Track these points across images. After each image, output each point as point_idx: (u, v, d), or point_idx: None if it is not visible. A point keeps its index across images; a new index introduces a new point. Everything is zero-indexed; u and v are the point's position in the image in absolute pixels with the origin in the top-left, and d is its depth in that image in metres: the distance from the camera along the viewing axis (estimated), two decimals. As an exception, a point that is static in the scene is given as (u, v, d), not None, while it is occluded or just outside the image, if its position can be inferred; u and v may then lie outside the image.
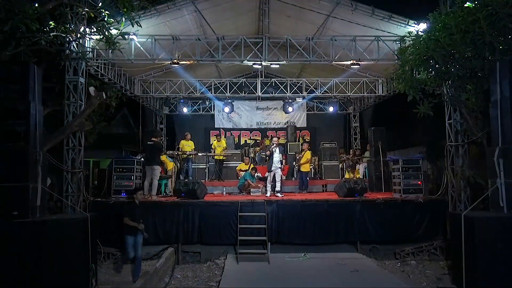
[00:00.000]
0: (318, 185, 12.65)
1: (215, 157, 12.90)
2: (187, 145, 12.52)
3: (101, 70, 10.24)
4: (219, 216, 8.39)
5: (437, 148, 10.92)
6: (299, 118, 17.08)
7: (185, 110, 15.58)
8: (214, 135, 16.12)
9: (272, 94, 13.82)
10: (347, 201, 8.85)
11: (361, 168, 13.68)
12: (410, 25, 8.95)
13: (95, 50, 8.97)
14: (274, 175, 10.08)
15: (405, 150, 15.58)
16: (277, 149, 10.07)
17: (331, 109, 15.83)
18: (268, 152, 10.18)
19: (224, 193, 11.45)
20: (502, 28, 6.30)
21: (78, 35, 7.99)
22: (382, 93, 13.40)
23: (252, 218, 8.33)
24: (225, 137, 16.18)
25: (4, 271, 5.17)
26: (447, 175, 8.69)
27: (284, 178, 12.20)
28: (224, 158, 13.01)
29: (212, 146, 13.44)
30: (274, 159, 9.97)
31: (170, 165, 11.44)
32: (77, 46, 8.40)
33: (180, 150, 12.46)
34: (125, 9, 7.57)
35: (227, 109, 15.09)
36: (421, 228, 8.56)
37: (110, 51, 8.48)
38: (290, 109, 15.11)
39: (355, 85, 13.75)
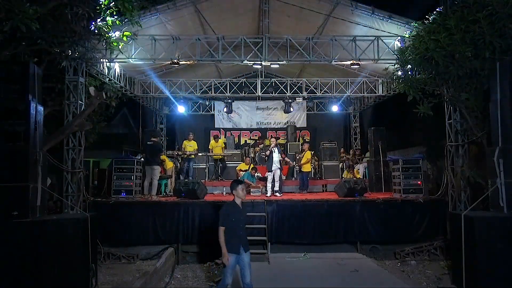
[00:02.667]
0: (318, 185, 12.66)
1: (214, 157, 12.92)
2: (189, 145, 12.56)
3: (101, 70, 10.23)
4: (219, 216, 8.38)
5: (437, 148, 10.92)
6: (299, 118, 17.08)
7: (182, 109, 15.58)
8: (215, 135, 16.18)
9: (272, 94, 13.81)
10: (347, 201, 8.86)
11: (361, 168, 13.69)
12: (410, 25, 8.94)
13: (95, 50, 8.95)
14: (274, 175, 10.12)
15: (405, 150, 15.54)
16: (276, 149, 10.12)
17: (335, 108, 15.84)
18: (267, 152, 10.21)
19: (224, 193, 11.45)
20: (502, 28, 6.30)
21: (78, 35, 7.97)
22: (382, 93, 13.40)
23: (252, 218, 8.32)
24: (225, 137, 16.21)
25: (4, 271, 5.17)
26: (447, 175, 8.68)
27: (284, 178, 12.22)
28: (223, 157, 13.01)
29: (210, 147, 13.45)
30: (274, 159, 10.02)
31: (170, 165, 11.44)
32: (77, 46, 8.39)
33: (182, 150, 12.50)
34: (125, 9, 7.57)
35: (225, 109, 15.10)
36: (421, 228, 8.56)
37: (110, 51, 8.47)
38: (290, 109, 15.10)
39: (355, 85, 13.74)
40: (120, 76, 11.67)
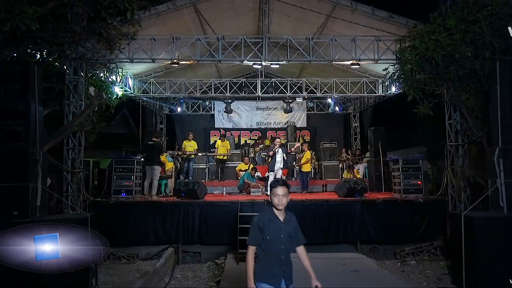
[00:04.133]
0: (318, 185, 12.66)
1: (218, 157, 12.91)
2: (189, 145, 12.57)
3: (101, 70, 10.22)
4: (219, 216, 8.39)
5: (437, 148, 10.92)
6: (299, 118, 17.07)
7: (179, 109, 15.58)
8: (215, 135, 16.16)
9: (272, 94, 13.81)
10: (347, 201, 8.86)
11: (361, 168, 13.70)
12: (410, 25, 8.95)
13: (94, 50, 8.96)
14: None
15: (405, 150, 15.57)
16: (280, 150, 10.09)
17: (336, 108, 15.83)
18: (271, 153, 10.19)
19: (224, 193, 11.45)
20: (502, 28, 6.30)
21: (78, 35, 7.97)
22: (382, 93, 13.40)
23: (252, 218, 8.30)
24: (224, 137, 16.21)
25: (4, 271, 5.17)
26: (447, 175, 8.68)
27: (284, 178, 12.25)
28: (225, 158, 13.01)
29: (216, 146, 13.47)
30: (277, 159, 10.00)
31: (169, 165, 11.44)
32: (77, 46, 8.39)
33: (182, 150, 12.51)
34: (125, 9, 7.56)
35: (225, 109, 15.10)
36: (421, 228, 8.56)
37: (109, 51, 8.47)
38: (290, 109, 15.10)
39: (355, 85, 13.75)
40: (120, 76, 11.66)
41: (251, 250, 3.30)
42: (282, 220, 3.30)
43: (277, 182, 3.38)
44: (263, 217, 3.38)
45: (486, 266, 5.67)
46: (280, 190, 3.29)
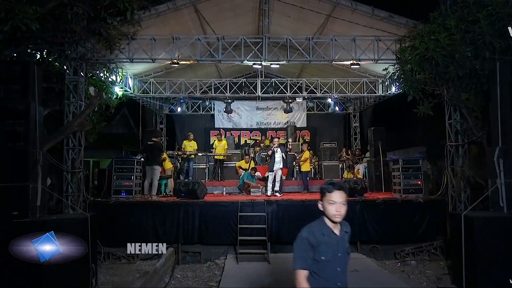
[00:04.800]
0: (318, 185, 12.59)
1: (215, 157, 12.91)
2: (189, 145, 12.57)
3: (101, 70, 10.22)
4: (219, 216, 8.39)
5: (437, 148, 10.93)
6: (299, 118, 17.07)
7: (179, 109, 15.58)
8: (214, 135, 16.16)
9: (272, 94, 13.81)
10: (347, 201, 8.83)
11: (361, 168, 13.70)
12: (410, 25, 8.95)
13: (94, 50, 8.96)
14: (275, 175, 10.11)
15: (405, 150, 15.58)
16: (279, 149, 10.09)
17: (336, 108, 15.82)
18: (269, 152, 10.18)
19: (224, 193, 11.45)
20: (502, 28, 6.30)
21: (78, 35, 7.97)
22: (382, 93, 13.40)
23: (252, 218, 8.33)
24: (225, 137, 16.21)
25: (4, 271, 5.17)
26: (447, 175, 8.68)
27: (284, 178, 12.26)
28: (224, 158, 13.01)
29: (214, 146, 13.47)
30: (276, 159, 10.00)
31: (169, 165, 11.44)
32: (77, 46, 8.39)
33: (182, 150, 12.51)
34: (125, 9, 7.56)
35: (225, 109, 15.10)
36: (421, 228, 8.55)
37: (109, 51, 8.47)
38: (290, 109, 15.11)
39: (355, 85, 13.75)
40: (120, 76, 11.66)
41: (302, 277, 2.40)
42: (339, 234, 2.52)
43: (333, 186, 2.50)
44: (314, 230, 2.48)
45: (486, 266, 5.68)
46: (338, 196, 2.48)
